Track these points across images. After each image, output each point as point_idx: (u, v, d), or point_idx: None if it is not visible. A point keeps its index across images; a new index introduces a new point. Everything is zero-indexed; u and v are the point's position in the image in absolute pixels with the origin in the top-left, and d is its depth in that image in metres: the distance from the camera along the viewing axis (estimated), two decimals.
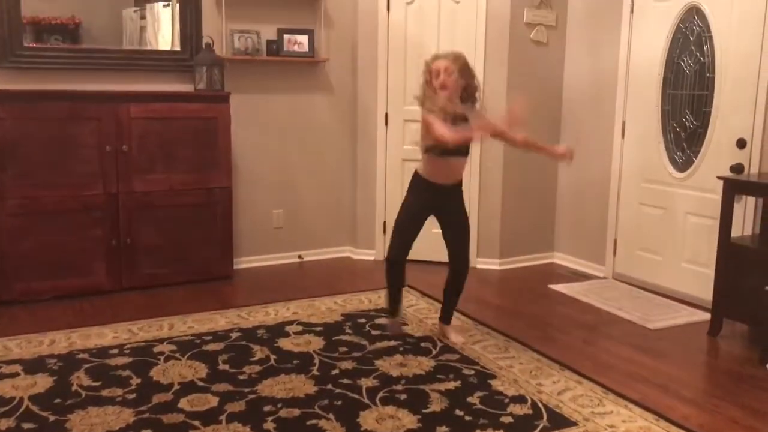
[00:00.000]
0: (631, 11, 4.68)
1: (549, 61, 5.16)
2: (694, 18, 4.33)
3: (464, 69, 3.34)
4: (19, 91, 4.12)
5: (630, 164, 4.79)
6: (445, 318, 3.77)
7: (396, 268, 3.61)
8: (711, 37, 4.22)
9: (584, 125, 5.12)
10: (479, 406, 2.91)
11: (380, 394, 3.00)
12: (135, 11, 4.77)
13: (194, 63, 4.60)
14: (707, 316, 3.94)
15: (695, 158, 4.36)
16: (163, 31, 4.79)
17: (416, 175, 3.56)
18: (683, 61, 4.42)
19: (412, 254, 5.14)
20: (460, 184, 3.56)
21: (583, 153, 5.12)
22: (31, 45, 4.29)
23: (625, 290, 4.67)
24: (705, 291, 4.09)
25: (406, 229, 3.56)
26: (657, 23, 4.53)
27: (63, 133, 4.13)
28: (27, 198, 4.07)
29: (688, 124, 4.41)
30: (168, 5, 4.72)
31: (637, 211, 4.77)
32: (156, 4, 4.77)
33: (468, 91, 3.39)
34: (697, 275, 4.34)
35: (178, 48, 4.68)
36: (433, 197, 3.50)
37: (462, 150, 3.41)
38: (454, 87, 3.30)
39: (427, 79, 3.36)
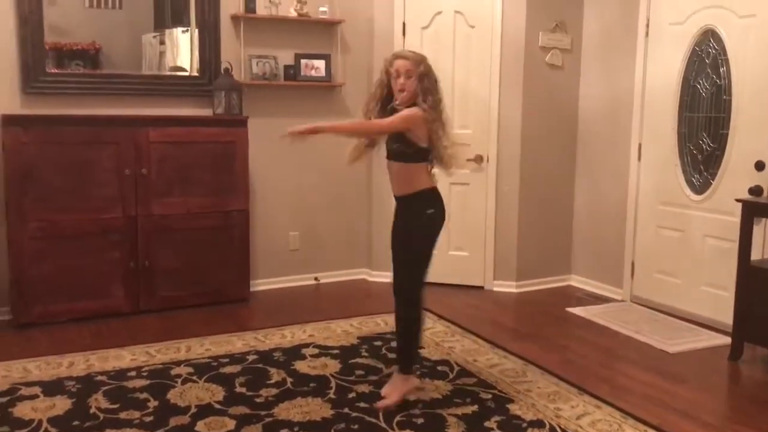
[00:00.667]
0: (646, 34, 4.70)
1: (564, 84, 5.18)
2: (710, 41, 4.34)
3: (426, 74, 3.05)
4: (42, 116, 4.19)
5: (647, 187, 4.78)
6: (398, 360, 3.28)
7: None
8: (727, 60, 4.22)
9: (600, 148, 5.12)
10: (497, 431, 2.89)
11: (397, 418, 2.99)
12: (154, 37, 4.85)
13: (213, 88, 4.66)
14: (727, 340, 3.90)
15: (713, 180, 4.34)
16: (181, 57, 4.86)
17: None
18: (699, 83, 4.41)
19: (428, 276, 5.19)
20: (410, 198, 3.14)
21: (600, 175, 5.13)
22: (53, 71, 4.37)
23: (643, 313, 4.63)
24: (725, 314, 4.05)
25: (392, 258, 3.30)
26: (672, 46, 4.54)
27: (83, 157, 4.18)
28: (47, 221, 4.12)
29: (705, 147, 4.40)
30: (187, 31, 4.80)
31: (654, 233, 4.74)
32: (175, 29, 4.85)
33: (425, 98, 3.03)
34: (716, 298, 4.30)
35: (197, 73, 4.75)
36: (396, 213, 3.25)
37: (393, 151, 3.11)
38: (412, 91, 3.03)
39: (384, 79, 3.12)
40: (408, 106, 3.05)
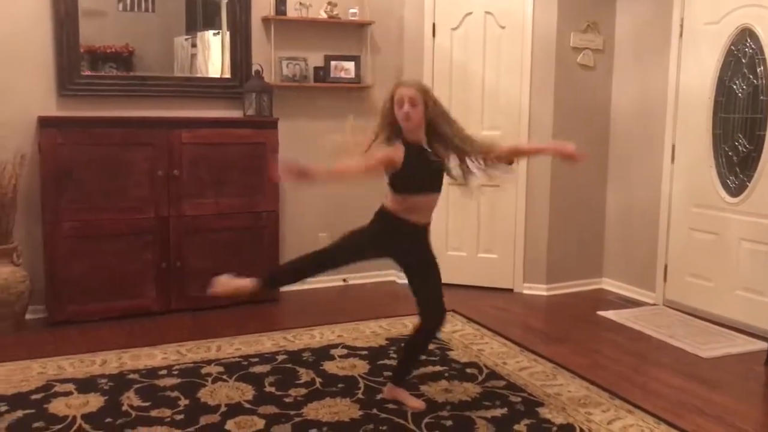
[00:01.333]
0: (680, 34, 4.63)
1: (596, 85, 5.13)
2: (747, 40, 4.26)
3: (430, 100, 2.97)
4: (77, 118, 4.27)
5: (680, 189, 4.71)
6: (400, 377, 3.23)
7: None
8: (765, 59, 4.14)
9: (633, 149, 5.05)
10: None
11: (426, 420, 2.98)
12: (186, 39, 4.90)
13: (244, 90, 4.70)
14: (763, 345, 3.83)
15: (749, 183, 4.26)
16: (213, 59, 4.91)
17: (383, 210, 3.21)
18: (735, 84, 4.34)
19: (457, 278, 5.19)
20: (428, 225, 3.18)
21: (632, 177, 5.06)
22: (87, 73, 4.44)
23: (676, 317, 4.56)
24: (760, 319, 3.97)
25: (343, 253, 3.26)
26: (707, 46, 4.46)
27: (117, 158, 4.25)
28: (81, 221, 4.19)
29: (741, 148, 4.32)
30: (218, 33, 4.85)
31: (687, 236, 4.67)
32: (206, 32, 4.90)
33: (434, 126, 2.98)
34: (752, 303, 4.21)
35: (228, 75, 4.79)
36: (400, 235, 3.12)
37: (435, 184, 3.07)
38: (418, 120, 2.94)
39: (389, 106, 3.00)
40: (413, 138, 2.99)
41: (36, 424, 2.87)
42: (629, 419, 3.02)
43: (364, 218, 5.40)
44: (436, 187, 3.08)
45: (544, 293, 5.10)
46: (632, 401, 3.20)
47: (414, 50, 5.14)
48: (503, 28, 4.97)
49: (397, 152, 2.97)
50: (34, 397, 3.14)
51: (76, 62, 4.36)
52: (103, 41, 4.58)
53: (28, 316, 4.24)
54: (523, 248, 5.10)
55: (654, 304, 4.86)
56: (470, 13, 5.01)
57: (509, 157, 3.20)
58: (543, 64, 4.93)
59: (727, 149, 4.41)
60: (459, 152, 3.02)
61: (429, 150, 3.00)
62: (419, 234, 3.12)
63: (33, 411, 3.00)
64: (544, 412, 3.07)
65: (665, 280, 4.83)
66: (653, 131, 4.87)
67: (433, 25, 5.07)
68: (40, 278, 4.24)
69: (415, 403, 3.12)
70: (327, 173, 3.04)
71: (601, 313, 4.66)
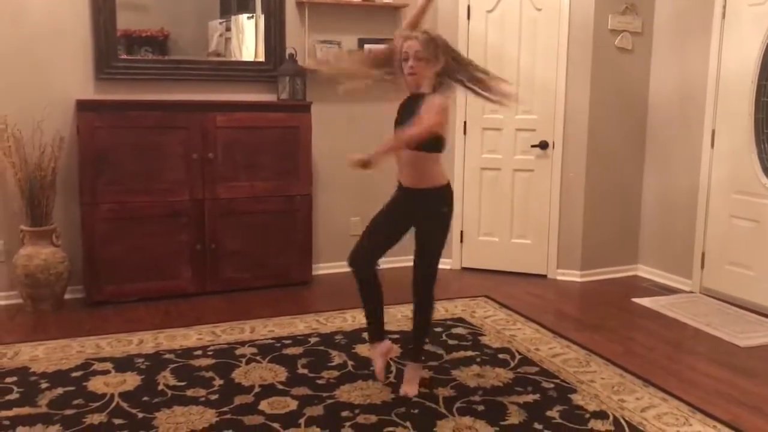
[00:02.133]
0: (723, 16, 4.51)
1: (634, 68, 5.03)
2: None
3: (439, 51, 2.89)
4: (114, 101, 4.33)
5: (720, 175, 4.61)
6: (412, 350, 3.21)
7: (361, 277, 3.13)
8: None
9: (671, 134, 4.96)
10: (559, 421, 2.85)
11: (457, 404, 2.98)
12: (220, 23, 4.92)
13: (278, 73, 4.71)
14: None
15: None
16: (247, 43, 4.92)
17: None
18: None
19: (489, 263, 5.17)
20: (429, 193, 3.00)
21: (670, 163, 4.97)
22: (123, 57, 4.49)
23: (713, 305, 4.48)
24: None
25: (371, 232, 3.14)
26: (751, 28, 4.34)
27: (153, 142, 4.29)
28: (119, 203, 4.26)
29: None
30: (252, 17, 4.86)
31: (726, 223, 4.57)
32: (240, 16, 4.91)
33: (448, 72, 2.93)
34: None
35: (262, 59, 4.80)
36: (402, 201, 3.09)
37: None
38: (422, 74, 2.88)
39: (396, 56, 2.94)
40: (417, 91, 2.92)
41: (75, 401, 2.94)
42: (663, 407, 2.99)
43: None
44: (419, 146, 2.87)
45: (578, 279, 5.05)
46: (667, 389, 3.16)
47: (448, 33, 5.04)
48: (539, 10, 4.90)
49: (447, 101, 2.91)
50: (73, 374, 3.22)
51: (113, 46, 4.41)
52: (139, 25, 4.61)
53: (67, 296, 4.33)
54: (557, 234, 5.05)
55: (690, 292, 4.78)
56: None
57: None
58: (580, 47, 4.85)
59: None
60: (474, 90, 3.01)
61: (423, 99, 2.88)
62: (412, 199, 3.03)
63: (73, 388, 3.07)
64: (576, 399, 3.05)
65: (702, 267, 4.75)
66: (692, 116, 4.76)
67: (468, 7, 5.02)
68: (78, 259, 4.32)
69: (409, 389, 3.08)
70: (409, 139, 2.83)
71: (635, 300, 4.60)
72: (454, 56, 2.96)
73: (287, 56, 4.71)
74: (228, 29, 4.94)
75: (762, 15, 4.28)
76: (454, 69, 2.95)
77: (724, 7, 4.50)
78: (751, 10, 4.34)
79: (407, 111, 2.94)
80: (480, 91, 3.03)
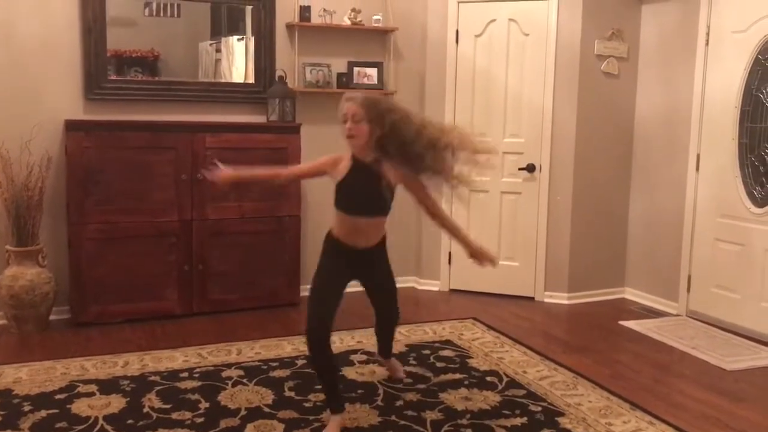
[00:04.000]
0: (707, 43, 4.58)
1: (620, 93, 5.09)
2: None
3: (378, 116, 2.81)
4: (103, 121, 4.33)
5: (705, 198, 4.65)
6: (386, 352, 3.48)
7: (319, 347, 2.88)
8: None
9: (657, 158, 5.01)
10: None
11: (445, 428, 2.97)
12: (211, 44, 4.95)
13: (267, 95, 4.73)
14: None
15: None
16: (237, 64, 4.95)
17: (329, 236, 3.10)
18: (762, 93, 4.28)
19: (477, 285, 5.17)
20: (380, 244, 3.13)
21: (656, 186, 5.02)
22: (113, 77, 4.50)
23: (699, 328, 4.50)
24: None
25: (324, 298, 2.98)
26: (734, 55, 4.41)
27: (142, 162, 4.29)
28: (106, 223, 4.24)
29: (767, 158, 4.26)
30: (242, 39, 4.89)
31: (712, 246, 4.61)
32: (231, 38, 4.94)
33: (387, 141, 2.83)
34: None
35: (252, 80, 4.82)
36: (355, 261, 3.06)
37: (381, 207, 2.97)
38: (361, 137, 2.83)
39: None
40: (362, 157, 2.92)
41: (59, 424, 2.91)
42: (650, 431, 2.99)
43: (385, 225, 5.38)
44: (380, 210, 2.97)
45: (566, 302, 5.06)
46: (654, 413, 3.17)
47: (437, 57, 5.14)
48: (527, 35, 4.96)
49: (337, 162, 2.94)
50: (57, 397, 3.18)
51: (103, 67, 4.42)
52: (129, 46, 4.63)
53: (52, 317, 4.29)
54: (545, 256, 5.08)
55: (677, 315, 4.80)
56: (494, 20, 5.00)
57: (432, 214, 3.15)
58: (567, 71, 4.91)
59: (753, 159, 4.35)
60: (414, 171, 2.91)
61: (376, 169, 2.88)
62: (371, 256, 3.09)
63: (56, 411, 3.04)
64: (564, 422, 3.05)
65: (689, 290, 4.78)
66: (678, 140, 4.82)
67: (457, 31, 5.07)
68: (64, 280, 4.29)
69: (401, 374, 3.49)
70: (252, 177, 3.36)
71: (623, 323, 4.61)
72: (393, 124, 2.80)
73: (277, 78, 4.74)
74: (218, 51, 4.97)
75: (744, 42, 4.35)
76: (393, 139, 2.81)
77: (708, 34, 4.57)
78: (734, 37, 4.42)
79: (361, 182, 2.90)
80: (422, 171, 2.90)
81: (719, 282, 4.57)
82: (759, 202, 4.31)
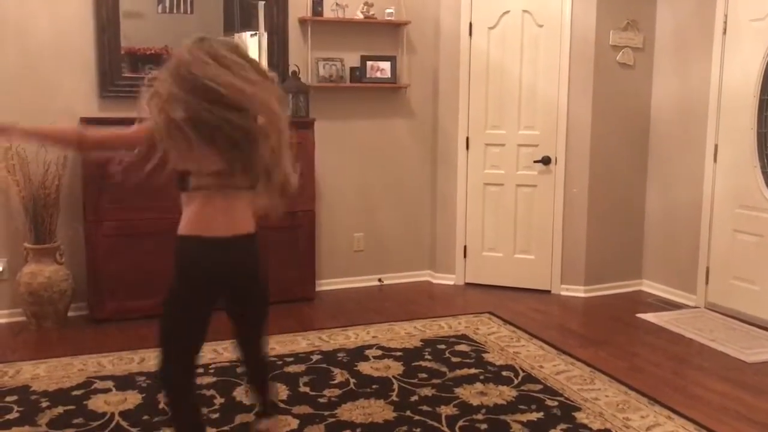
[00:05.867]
0: (724, 31, 4.52)
1: (636, 83, 5.03)
2: None
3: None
4: (117, 119, 4.33)
5: (723, 189, 4.59)
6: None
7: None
8: None
9: (673, 149, 4.95)
10: None
11: (460, 423, 2.96)
12: None
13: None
14: None
15: None
16: None
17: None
18: None
19: (493, 278, 5.15)
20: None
21: (673, 177, 4.96)
22: (127, 75, 4.51)
23: (718, 321, 4.45)
24: None
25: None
26: (752, 43, 4.35)
27: None
28: (122, 220, 4.26)
29: None
30: (255, 35, 4.88)
31: (730, 237, 4.55)
32: (244, 33, 4.94)
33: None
34: None
35: None
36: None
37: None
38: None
39: None
40: None
41: (75, 420, 2.93)
42: (669, 426, 2.96)
43: (399, 219, 5.39)
44: None
45: (582, 295, 5.02)
46: (672, 407, 3.13)
47: (450, 50, 5.11)
48: (541, 26, 4.91)
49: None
50: (74, 393, 3.21)
51: (117, 64, 4.43)
52: (143, 43, 4.64)
53: (70, 314, 4.33)
54: (561, 249, 5.04)
55: (695, 307, 4.75)
56: (507, 12, 4.96)
57: None
58: (581, 62, 4.86)
59: None
60: None
61: None
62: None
63: (73, 407, 3.06)
64: (580, 417, 3.03)
65: (707, 282, 4.72)
66: (695, 131, 4.76)
67: (470, 24, 5.04)
68: (82, 277, 4.32)
69: None
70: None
71: (640, 315, 4.57)
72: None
73: (290, 73, 4.73)
74: None
75: (762, 30, 4.28)
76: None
77: (725, 22, 4.51)
78: (752, 26, 4.35)
79: None
80: None
81: (738, 273, 4.51)
82: None
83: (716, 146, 4.61)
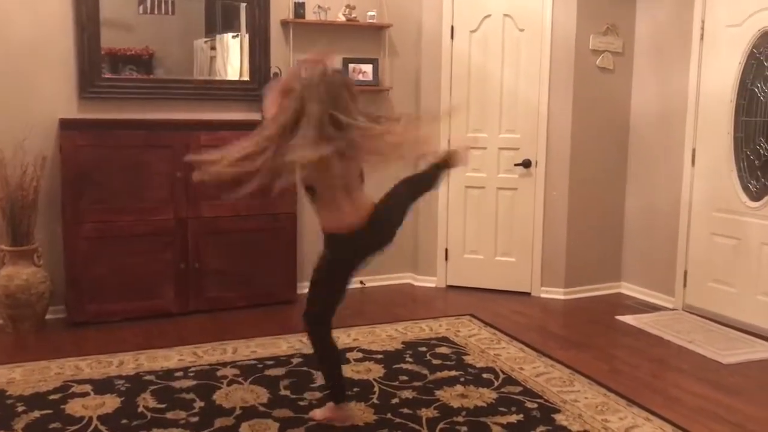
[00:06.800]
0: (701, 37, 4.57)
1: (615, 88, 5.08)
2: None
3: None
4: (97, 120, 4.31)
5: (700, 193, 4.65)
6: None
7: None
8: None
9: (652, 153, 5.00)
10: None
11: (440, 425, 2.97)
12: (205, 42, 4.93)
13: (262, 92, 4.70)
14: None
15: None
16: (232, 62, 4.93)
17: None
18: (757, 87, 4.28)
19: (474, 281, 5.17)
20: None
21: (652, 181, 5.02)
22: (108, 76, 4.48)
23: (696, 323, 4.50)
24: None
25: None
26: (729, 49, 4.40)
27: (136, 160, 4.28)
28: (101, 222, 4.23)
29: (762, 152, 4.26)
30: (237, 36, 4.87)
31: (708, 240, 4.61)
32: (225, 35, 4.92)
33: None
34: None
35: (247, 78, 4.81)
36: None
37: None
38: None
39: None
40: None
41: (53, 425, 2.90)
42: (647, 427, 2.99)
43: None
44: None
45: (562, 297, 5.06)
46: (650, 408, 3.16)
47: (432, 53, 5.13)
48: (522, 30, 4.94)
49: None
50: (51, 397, 3.18)
51: (97, 65, 4.40)
52: (124, 44, 4.61)
53: (48, 317, 4.28)
54: (541, 251, 5.07)
55: (673, 309, 4.80)
56: (489, 16, 4.99)
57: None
58: (562, 66, 4.90)
59: (748, 153, 4.35)
60: None
61: None
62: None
63: (50, 411, 3.03)
64: (560, 419, 3.05)
65: (685, 284, 4.77)
66: (673, 134, 4.81)
67: (452, 27, 5.06)
68: (60, 279, 4.28)
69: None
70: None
71: (619, 317, 4.61)
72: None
73: (272, 75, 4.72)
74: (213, 48, 4.95)
75: (739, 36, 4.34)
76: None
77: (702, 28, 4.56)
78: (729, 31, 4.40)
79: None
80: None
81: (715, 276, 4.56)
82: (754, 196, 4.31)
83: (694, 150, 4.67)
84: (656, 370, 3.71)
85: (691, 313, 4.70)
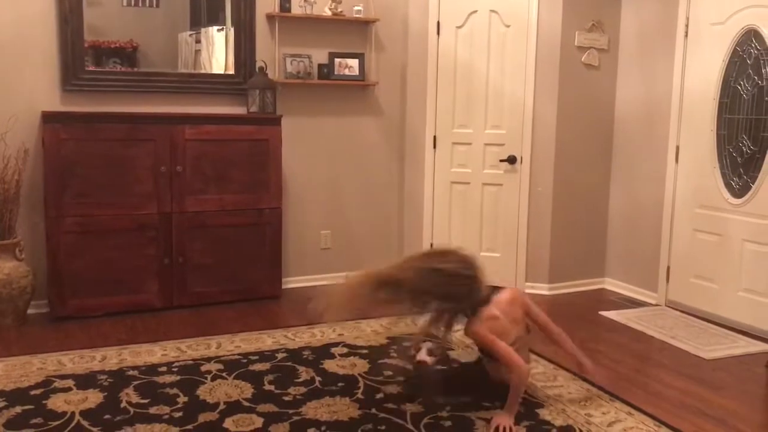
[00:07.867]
0: (686, 35, 4.60)
1: (600, 84, 5.10)
2: (752, 41, 4.23)
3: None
4: (81, 113, 4.27)
5: (684, 189, 4.68)
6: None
7: None
8: None
9: (637, 150, 5.03)
10: None
11: (425, 420, 2.97)
12: (190, 35, 4.90)
13: (247, 86, 4.69)
14: (765, 347, 3.82)
15: (753, 184, 4.23)
16: (217, 55, 4.90)
17: None
18: (740, 84, 4.31)
19: None
20: None
21: (636, 177, 5.05)
22: (91, 68, 4.44)
23: (678, 318, 4.54)
24: (763, 321, 3.96)
25: None
26: (712, 47, 4.44)
27: (120, 154, 4.25)
28: (84, 216, 4.19)
29: (745, 149, 4.29)
30: (222, 30, 4.84)
31: (691, 237, 4.65)
32: (210, 28, 4.89)
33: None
34: (754, 304, 4.20)
35: (232, 71, 4.78)
36: None
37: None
38: None
39: None
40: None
41: (34, 420, 2.88)
42: (629, 421, 3.01)
43: (366, 217, 5.40)
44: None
45: (546, 292, 5.08)
46: (633, 403, 3.19)
47: (418, 48, 5.12)
48: (508, 26, 4.95)
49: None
50: (33, 392, 3.15)
51: (80, 58, 4.36)
52: (107, 36, 4.57)
53: (30, 311, 4.24)
54: (526, 247, 5.09)
55: (656, 305, 4.84)
56: (475, 12, 4.99)
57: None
58: (547, 63, 4.91)
59: (731, 150, 4.39)
60: None
61: None
62: None
63: (32, 407, 3.00)
64: (543, 414, 3.06)
65: (668, 280, 4.81)
66: (657, 131, 4.84)
67: (438, 23, 5.05)
68: (42, 273, 4.24)
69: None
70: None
71: (603, 313, 4.64)
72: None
73: (257, 69, 4.70)
74: (198, 41, 4.91)
75: (723, 34, 4.37)
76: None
77: (687, 26, 4.59)
78: (713, 29, 4.44)
79: None
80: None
81: (698, 272, 4.60)
82: (737, 193, 4.35)
83: (678, 147, 4.70)
84: (639, 365, 3.74)
85: (673, 308, 4.74)
